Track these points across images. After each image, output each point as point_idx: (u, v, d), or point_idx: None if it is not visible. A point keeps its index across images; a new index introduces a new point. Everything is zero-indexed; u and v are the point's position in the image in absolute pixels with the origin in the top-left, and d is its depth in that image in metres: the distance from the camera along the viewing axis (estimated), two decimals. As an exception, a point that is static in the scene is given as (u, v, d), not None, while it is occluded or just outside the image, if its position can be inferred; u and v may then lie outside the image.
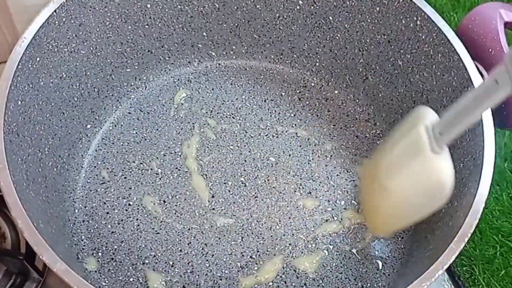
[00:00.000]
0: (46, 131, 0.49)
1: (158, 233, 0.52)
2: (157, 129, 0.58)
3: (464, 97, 0.35)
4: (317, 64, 0.61)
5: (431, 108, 0.42)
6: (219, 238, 0.52)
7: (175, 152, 0.57)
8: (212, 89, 0.61)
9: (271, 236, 0.52)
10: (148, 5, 0.55)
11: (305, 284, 0.50)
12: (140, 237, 0.52)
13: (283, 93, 0.61)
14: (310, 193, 0.55)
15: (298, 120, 0.59)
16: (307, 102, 0.61)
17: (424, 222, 0.51)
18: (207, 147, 0.57)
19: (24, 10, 0.57)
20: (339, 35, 0.58)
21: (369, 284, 0.50)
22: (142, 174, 0.55)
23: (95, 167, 0.55)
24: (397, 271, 0.51)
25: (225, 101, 0.60)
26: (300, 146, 0.57)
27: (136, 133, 0.58)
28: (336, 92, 0.61)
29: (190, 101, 0.60)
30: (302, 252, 0.51)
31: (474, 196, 0.41)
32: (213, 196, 0.54)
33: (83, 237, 0.52)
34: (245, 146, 0.57)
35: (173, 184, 0.55)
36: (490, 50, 0.48)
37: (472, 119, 0.36)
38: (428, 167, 0.39)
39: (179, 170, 0.55)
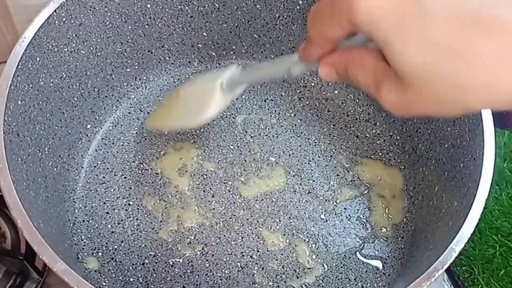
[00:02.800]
0: (46, 131, 0.49)
1: (158, 233, 0.52)
2: (157, 129, 0.58)
3: (267, 61, 0.42)
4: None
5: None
6: (219, 238, 0.52)
7: (175, 152, 0.56)
8: (212, 89, 0.61)
9: (271, 235, 0.52)
10: (148, 5, 0.55)
11: (305, 284, 0.50)
12: (140, 237, 0.52)
13: (283, 93, 0.61)
14: (310, 193, 0.55)
15: (298, 120, 0.59)
16: (307, 102, 0.61)
17: (424, 222, 0.51)
18: (207, 147, 0.57)
19: (24, 10, 0.57)
20: (339, 35, 0.58)
21: (369, 284, 0.50)
22: (142, 174, 0.55)
23: (95, 167, 0.55)
24: (397, 271, 0.51)
25: (225, 101, 0.60)
26: (300, 146, 0.58)
27: (136, 133, 0.58)
28: (336, 92, 0.61)
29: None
30: (302, 252, 0.51)
31: (474, 196, 0.41)
32: (213, 196, 0.54)
33: (83, 237, 0.52)
34: (245, 146, 0.57)
35: (173, 184, 0.55)
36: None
37: (259, 78, 0.47)
38: (208, 91, 0.46)
39: (179, 170, 0.55)
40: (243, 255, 0.51)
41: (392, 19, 0.25)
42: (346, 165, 0.57)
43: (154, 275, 0.50)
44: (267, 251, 0.51)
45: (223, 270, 0.50)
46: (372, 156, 0.57)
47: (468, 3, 0.24)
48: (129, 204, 0.53)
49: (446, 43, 0.24)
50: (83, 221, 0.52)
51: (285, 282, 0.50)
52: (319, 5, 0.29)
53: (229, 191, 0.54)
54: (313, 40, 0.31)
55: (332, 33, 0.29)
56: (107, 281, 0.49)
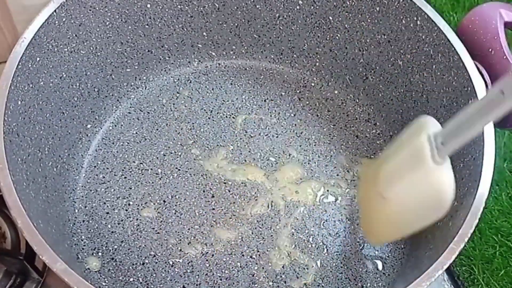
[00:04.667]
0: (46, 131, 0.49)
1: (158, 233, 0.52)
2: (157, 129, 0.58)
3: (468, 108, 0.35)
4: (317, 64, 0.61)
5: (431, 111, 0.42)
6: (219, 238, 0.52)
7: (175, 152, 0.57)
8: (212, 89, 0.61)
9: (271, 235, 0.52)
10: (148, 5, 0.55)
11: (305, 284, 0.50)
12: (140, 237, 0.52)
13: (283, 93, 0.61)
14: (309, 192, 0.55)
15: (298, 120, 0.59)
16: (307, 102, 0.61)
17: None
18: (207, 147, 0.57)
19: (24, 10, 0.57)
20: (339, 35, 0.58)
21: (369, 284, 0.50)
22: (142, 174, 0.55)
23: (95, 167, 0.55)
24: (397, 271, 0.51)
25: (225, 101, 0.60)
26: (300, 146, 0.58)
27: (136, 133, 0.58)
28: (336, 92, 0.61)
29: (190, 101, 0.60)
30: (302, 252, 0.51)
31: (474, 196, 0.41)
32: (213, 196, 0.54)
33: (83, 237, 0.52)
34: (245, 146, 0.57)
35: (173, 184, 0.55)
36: (490, 50, 0.48)
37: (476, 131, 0.35)
38: (429, 178, 0.38)
39: (179, 170, 0.55)
40: (243, 255, 0.51)
41: None
42: (346, 165, 0.57)
43: (154, 275, 0.50)
44: (267, 251, 0.51)
45: (223, 270, 0.50)
46: (372, 156, 0.57)
47: None
48: (129, 204, 0.53)
49: None
50: (83, 221, 0.52)
51: (285, 282, 0.50)
52: None
53: (229, 191, 0.54)
54: None
55: None
56: (107, 281, 0.49)
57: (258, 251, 0.51)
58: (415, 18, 0.50)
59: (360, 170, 0.55)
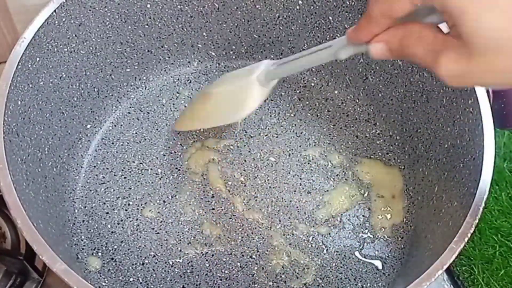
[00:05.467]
0: (46, 131, 0.49)
1: (158, 233, 0.52)
2: (157, 129, 0.58)
3: (304, 50, 0.41)
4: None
5: (431, 111, 0.47)
6: (219, 238, 0.52)
7: (175, 152, 0.57)
8: (212, 89, 0.61)
9: (271, 236, 0.52)
10: (148, 5, 0.55)
11: (305, 284, 0.50)
12: (140, 237, 0.52)
13: (283, 93, 0.61)
14: (309, 192, 0.55)
15: (298, 120, 0.59)
16: (307, 102, 0.61)
17: (424, 222, 0.51)
18: (207, 147, 0.57)
19: (24, 10, 0.57)
20: (339, 35, 0.58)
21: (369, 284, 0.50)
22: (142, 174, 0.55)
23: (95, 167, 0.55)
24: (397, 271, 0.51)
25: (225, 101, 0.60)
26: (300, 146, 0.58)
27: (136, 133, 0.58)
28: (336, 92, 0.61)
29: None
30: (302, 252, 0.51)
31: (473, 196, 0.41)
32: (213, 196, 0.54)
33: (83, 237, 0.52)
34: (245, 146, 0.57)
35: (173, 184, 0.55)
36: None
37: (298, 68, 0.42)
38: (245, 87, 0.46)
39: (179, 170, 0.55)
40: (243, 255, 0.51)
41: None
42: (346, 165, 0.57)
43: (154, 275, 0.50)
44: (267, 251, 0.51)
45: (223, 270, 0.50)
46: (372, 156, 0.57)
47: None
48: (129, 204, 0.53)
49: None
50: (83, 221, 0.52)
51: (285, 282, 0.50)
52: None
53: (229, 191, 0.54)
54: (374, 19, 0.31)
55: (399, 10, 0.29)
56: (107, 281, 0.49)
57: (258, 251, 0.51)
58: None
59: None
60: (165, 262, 0.50)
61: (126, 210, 0.53)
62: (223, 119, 0.50)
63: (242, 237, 0.52)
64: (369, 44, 0.33)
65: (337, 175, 0.56)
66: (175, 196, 0.54)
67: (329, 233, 0.53)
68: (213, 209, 0.53)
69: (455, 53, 0.27)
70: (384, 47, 0.32)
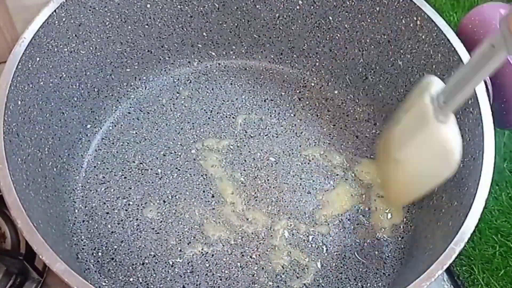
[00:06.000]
0: (46, 131, 0.49)
1: (158, 233, 0.52)
2: (157, 129, 0.58)
3: (464, 66, 0.36)
4: (317, 64, 0.61)
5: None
6: (219, 238, 0.52)
7: (175, 152, 0.57)
8: (212, 89, 0.61)
9: (271, 236, 0.52)
10: (148, 5, 0.55)
11: (305, 284, 0.50)
12: (140, 237, 0.52)
13: (283, 93, 0.61)
14: (309, 192, 0.55)
15: (298, 120, 0.59)
16: (307, 102, 0.61)
17: (424, 222, 0.51)
18: (207, 147, 0.57)
19: (24, 10, 0.57)
20: (339, 35, 0.58)
21: (369, 284, 0.50)
22: (142, 174, 0.55)
23: (95, 167, 0.55)
24: (397, 271, 0.51)
25: (225, 101, 0.60)
26: (300, 146, 0.58)
27: (136, 133, 0.58)
28: (336, 92, 0.61)
29: (190, 101, 0.60)
30: (302, 252, 0.51)
31: (474, 196, 0.41)
32: (213, 196, 0.54)
33: (83, 237, 0.52)
34: (245, 146, 0.57)
35: (173, 184, 0.55)
36: (490, 50, 0.48)
37: (473, 85, 0.37)
38: (435, 136, 0.39)
39: (179, 170, 0.55)
40: (243, 255, 0.51)
41: None
42: (346, 165, 0.57)
43: (154, 275, 0.50)
44: (267, 251, 0.51)
45: (223, 270, 0.50)
46: (372, 156, 0.57)
47: None
48: (129, 204, 0.53)
49: None
50: (83, 221, 0.52)
51: (285, 282, 0.50)
52: None
53: (229, 191, 0.54)
54: None
55: None
56: (107, 281, 0.49)
57: (258, 251, 0.51)
58: (415, 18, 0.50)
59: (378, 142, 0.55)
60: (165, 262, 0.50)
61: (126, 210, 0.53)
62: (434, 179, 0.44)
63: (242, 237, 0.52)
64: None
65: (337, 175, 0.56)
66: (175, 196, 0.54)
67: (329, 233, 0.53)
68: (213, 209, 0.53)
69: None
70: None
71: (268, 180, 0.55)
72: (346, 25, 0.56)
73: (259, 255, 0.51)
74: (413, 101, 0.42)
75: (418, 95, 0.41)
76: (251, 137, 0.58)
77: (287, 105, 0.60)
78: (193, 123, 0.58)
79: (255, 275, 0.50)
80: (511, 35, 0.32)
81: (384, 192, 0.53)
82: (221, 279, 0.50)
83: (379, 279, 0.51)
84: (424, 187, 0.46)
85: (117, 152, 0.56)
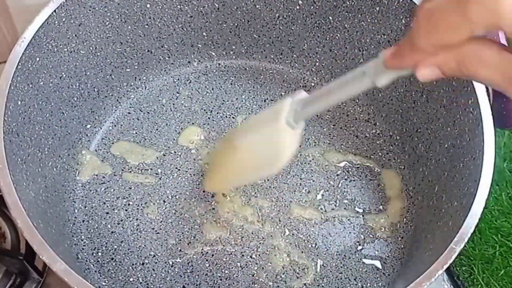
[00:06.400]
0: (46, 131, 0.49)
1: (158, 233, 0.52)
2: (157, 129, 0.58)
3: (333, 82, 0.37)
4: (317, 64, 0.61)
5: (431, 111, 0.43)
6: (219, 238, 0.52)
7: (175, 152, 0.57)
8: (212, 89, 0.61)
9: (271, 236, 0.52)
10: (148, 5, 0.55)
11: (305, 284, 0.50)
12: (140, 237, 0.52)
13: (283, 93, 0.61)
14: (309, 192, 0.55)
15: (298, 120, 0.59)
16: (307, 102, 0.61)
17: (424, 222, 0.51)
18: (207, 147, 0.57)
19: (24, 10, 0.57)
20: (339, 35, 0.58)
21: (369, 284, 0.50)
22: (142, 174, 0.55)
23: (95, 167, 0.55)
24: (397, 271, 0.51)
25: (225, 101, 0.60)
26: (300, 146, 0.57)
27: (136, 133, 0.58)
28: (336, 92, 0.61)
29: (190, 101, 0.60)
30: (302, 252, 0.51)
31: (474, 196, 0.41)
32: (213, 196, 0.54)
33: (83, 237, 0.52)
34: (245, 146, 0.57)
35: (173, 184, 0.55)
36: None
37: (330, 102, 0.37)
38: (275, 134, 0.40)
39: (179, 170, 0.55)
40: (243, 255, 0.51)
41: None
42: (346, 165, 0.57)
43: (154, 275, 0.50)
44: (267, 251, 0.51)
45: (223, 270, 0.50)
46: (372, 156, 0.57)
47: None
48: (129, 204, 0.53)
49: None
50: (83, 221, 0.52)
51: (285, 282, 0.50)
52: (436, 9, 0.26)
53: (229, 191, 0.54)
54: (422, 49, 0.27)
55: (455, 40, 0.25)
56: (107, 281, 0.49)
57: (258, 251, 0.51)
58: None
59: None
60: (165, 262, 0.50)
61: (126, 210, 0.53)
62: (256, 174, 0.46)
63: (242, 237, 0.52)
64: (415, 68, 0.29)
65: (337, 175, 0.56)
66: (175, 196, 0.54)
67: (329, 233, 0.53)
68: (213, 209, 0.53)
69: None
70: (435, 70, 0.28)
71: (268, 180, 0.55)
72: (346, 25, 0.56)
73: (259, 255, 0.51)
74: (278, 103, 0.43)
75: (283, 100, 0.42)
76: (251, 137, 0.58)
77: (287, 105, 0.60)
78: (193, 123, 0.58)
79: (255, 275, 0.50)
80: (382, 69, 0.32)
81: (208, 174, 0.53)
82: (221, 279, 0.50)
83: (379, 279, 0.51)
84: (245, 179, 0.48)
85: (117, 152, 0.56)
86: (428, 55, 0.28)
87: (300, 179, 0.55)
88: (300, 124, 0.39)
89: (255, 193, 0.54)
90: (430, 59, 0.28)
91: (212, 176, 0.51)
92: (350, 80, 0.34)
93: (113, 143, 0.57)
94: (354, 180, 0.56)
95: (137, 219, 0.52)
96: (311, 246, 0.52)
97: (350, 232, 0.53)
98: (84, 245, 0.51)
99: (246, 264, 0.51)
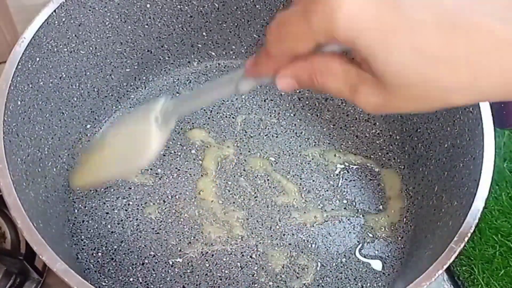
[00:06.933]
0: (46, 131, 0.49)
1: (158, 233, 0.52)
2: (157, 129, 0.58)
3: (205, 84, 0.37)
4: (317, 64, 0.61)
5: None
6: (219, 238, 0.52)
7: (175, 152, 0.57)
8: (212, 89, 0.61)
9: (271, 236, 0.52)
10: (148, 5, 0.55)
11: (305, 284, 0.50)
12: (140, 237, 0.52)
13: (283, 93, 0.61)
14: (309, 192, 0.55)
15: (298, 120, 0.59)
16: (307, 102, 0.61)
17: (424, 222, 0.51)
18: (207, 147, 0.57)
19: (24, 10, 0.57)
20: (339, 35, 0.58)
21: (369, 284, 0.50)
22: (142, 174, 0.55)
23: (95, 167, 0.55)
24: (397, 271, 0.51)
25: (225, 101, 0.60)
26: (300, 146, 0.57)
27: (136, 133, 0.58)
28: (336, 92, 0.61)
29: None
30: (302, 252, 0.51)
31: (473, 196, 0.41)
32: (212, 196, 0.54)
33: (83, 237, 0.52)
34: (245, 146, 0.57)
35: (173, 184, 0.55)
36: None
37: (200, 104, 0.39)
38: (142, 133, 0.41)
39: (179, 170, 0.55)
40: (243, 255, 0.51)
41: (375, 31, 0.25)
42: (346, 165, 0.57)
43: (154, 275, 0.50)
44: (267, 251, 0.51)
45: (223, 270, 0.50)
46: (372, 156, 0.57)
47: (446, 10, 0.25)
48: (129, 204, 0.53)
49: (429, 50, 0.25)
50: (83, 221, 0.52)
51: (285, 282, 0.50)
52: (284, 19, 0.28)
53: (229, 191, 0.54)
54: (274, 57, 0.29)
55: (301, 49, 0.27)
56: (107, 281, 0.49)
57: (258, 251, 0.51)
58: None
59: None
60: (165, 262, 0.50)
61: (126, 210, 0.53)
62: (121, 168, 0.46)
63: (242, 237, 0.52)
64: (274, 77, 0.30)
65: (336, 175, 0.56)
66: (175, 196, 0.54)
67: (329, 233, 0.53)
68: (213, 208, 0.53)
69: (372, 88, 0.27)
70: (291, 81, 0.30)
71: (268, 180, 0.55)
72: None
73: (259, 255, 0.51)
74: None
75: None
76: (251, 137, 0.58)
77: (287, 105, 0.60)
78: (193, 123, 0.58)
79: (255, 275, 0.50)
80: (243, 76, 0.33)
81: (75, 172, 0.52)
82: (221, 279, 0.50)
83: (379, 279, 0.51)
84: (111, 172, 0.47)
85: (117, 152, 0.56)
86: (283, 65, 0.29)
87: (300, 179, 0.55)
88: (168, 124, 0.41)
89: (255, 193, 0.54)
90: (286, 69, 0.29)
91: (81, 171, 0.50)
92: (219, 85, 0.36)
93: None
94: (354, 180, 0.56)
95: (137, 219, 0.52)
96: (311, 246, 0.52)
97: (350, 232, 0.53)
98: (84, 245, 0.51)
99: (246, 264, 0.51)
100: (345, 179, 0.56)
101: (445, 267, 0.38)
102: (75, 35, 0.51)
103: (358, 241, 0.52)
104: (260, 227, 0.53)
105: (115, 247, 0.51)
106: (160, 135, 0.41)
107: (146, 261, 0.50)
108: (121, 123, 0.48)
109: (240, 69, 0.33)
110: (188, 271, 0.50)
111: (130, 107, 0.59)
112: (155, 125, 0.40)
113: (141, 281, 0.49)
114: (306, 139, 0.58)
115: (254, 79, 0.33)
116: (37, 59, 0.47)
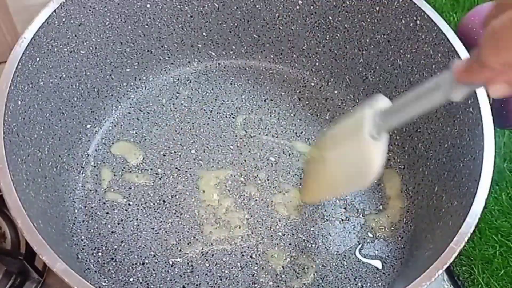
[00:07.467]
0: (46, 131, 0.49)
1: (158, 233, 0.52)
2: (157, 129, 0.58)
3: (409, 93, 0.37)
4: (317, 64, 0.61)
5: (431, 110, 0.43)
6: (219, 238, 0.52)
7: (175, 152, 0.57)
8: (212, 89, 0.61)
9: (271, 236, 0.52)
10: (148, 5, 0.55)
11: (305, 284, 0.50)
12: (140, 237, 0.52)
13: (283, 93, 0.61)
14: (310, 193, 0.55)
15: (298, 120, 0.59)
16: (307, 102, 0.61)
17: (424, 222, 0.51)
18: (207, 147, 0.57)
19: (24, 10, 0.57)
20: (339, 35, 0.58)
21: (369, 284, 0.50)
22: (142, 174, 0.55)
23: (95, 167, 0.55)
24: (397, 271, 0.51)
25: (225, 101, 0.60)
26: (300, 146, 0.57)
27: (136, 133, 0.58)
28: (336, 92, 0.61)
29: (190, 101, 0.60)
30: (302, 252, 0.51)
31: (474, 196, 0.41)
32: (212, 196, 0.54)
33: (83, 237, 0.52)
34: (245, 146, 0.57)
35: (173, 184, 0.55)
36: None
37: (410, 114, 0.38)
38: (361, 149, 0.41)
39: (179, 170, 0.55)
40: (243, 255, 0.51)
41: None
42: (346, 165, 0.57)
43: (154, 275, 0.50)
44: (267, 251, 0.51)
45: (223, 270, 0.50)
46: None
47: None
48: (129, 204, 0.53)
49: None
50: (83, 221, 0.52)
51: (285, 282, 0.50)
52: (504, 27, 0.27)
53: (229, 191, 0.54)
54: (491, 67, 0.29)
55: None
56: (107, 281, 0.49)
57: (258, 251, 0.51)
58: (415, 18, 0.50)
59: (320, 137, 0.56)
60: (165, 262, 0.50)
61: (126, 210, 0.53)
62: (346, 187, 0.48)
63: (242, 237, 0.52)
64: (486, 84, 0.31)
65: (337, 175, 0.56)
66: (175, 196, 0.54)
67: (329, 233, 0.53)
68: (213, 209, 0.53)
69: None
70: (507, 88, 0.30)
71: (268, 180, 0.55)
72: (346, 25, 0.56)
73: (259, 255, 0.51)
74: (359, 111, 0.43)
75: (365, 107, 0.42)
76: (251, 137, 0.58)
77: (287, 105, 0.60)
78: (193, 123, 0.58)
79: (255, 275, 0.50)
80: (454, 83, 0.33)
81: (303, 186, 0.54)
82: (221, 279, 0.50)
83: (379, 279, 0.51)
84: (338, 189, 0.49)
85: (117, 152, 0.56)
86: (498, 73, 0.29)
87: (300, 179, 0.55)
88: (383, 136, 0.40)
89: (255, 193, 0.54)
90: (501, 76, 0.29)
91: (309, 187, 0.52)
92: (426, 94, 0.35)
93: (113, 143, 0.57)
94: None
95: (137, 219, 0.52)
96: (311, 246, 0.52)
97: (350, 232, 0.53)
98: (84, 245, 0.51)
99: (246, 264, 0.51)
100: (345, 179, 0.56)
101: (445, 267, 0.38)
102: (75, 35, 0.51)
103: (358, 241, 0.52)
104: (260, 227, 0.53)
105: (115, 247, 0.51)
106: (378, 150, 0.40)
107: (146, 261, 0.50)
108: (332, 138, 0.47)
109: (443, 75, 0.33)
110: (188, 271, 0.50)
111: (130, 107, 0.59)
112: (371, 141, 0.40)
113: (141, 281, 0.49)
114: (306, 139, 0.58)
115: (468, 87, 0.33)
116: (37, 59, 0.47)
